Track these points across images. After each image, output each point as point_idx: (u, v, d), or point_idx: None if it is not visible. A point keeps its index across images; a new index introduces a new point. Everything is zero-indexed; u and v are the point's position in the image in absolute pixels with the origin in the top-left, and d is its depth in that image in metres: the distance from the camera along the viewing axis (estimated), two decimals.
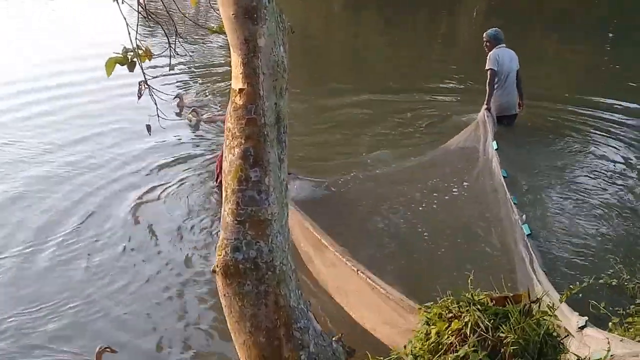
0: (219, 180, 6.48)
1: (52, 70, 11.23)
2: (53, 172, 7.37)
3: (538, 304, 3.19)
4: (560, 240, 6.12)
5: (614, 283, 5.19)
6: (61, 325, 4.80)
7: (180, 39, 4.24)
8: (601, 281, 5.19)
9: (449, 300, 3.34)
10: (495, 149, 7.27)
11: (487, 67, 8.66)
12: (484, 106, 8.41)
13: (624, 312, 4.71)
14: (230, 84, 3.34)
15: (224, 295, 3.32)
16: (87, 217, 6.38)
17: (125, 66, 3.68)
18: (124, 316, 4.96)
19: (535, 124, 9.37)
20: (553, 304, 3.22)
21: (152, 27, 4.44)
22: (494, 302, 3.24)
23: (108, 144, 8.25)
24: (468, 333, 3.12)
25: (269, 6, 3.11)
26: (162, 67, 8.63)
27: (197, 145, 8.31)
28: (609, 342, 3.23)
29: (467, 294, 3.28)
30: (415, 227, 6.35)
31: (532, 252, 5.09)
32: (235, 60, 3.16)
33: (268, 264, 3.22)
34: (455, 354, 3.09)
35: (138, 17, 3.80)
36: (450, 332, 3.20)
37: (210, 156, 7.72)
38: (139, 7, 3.84)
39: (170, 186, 7.06)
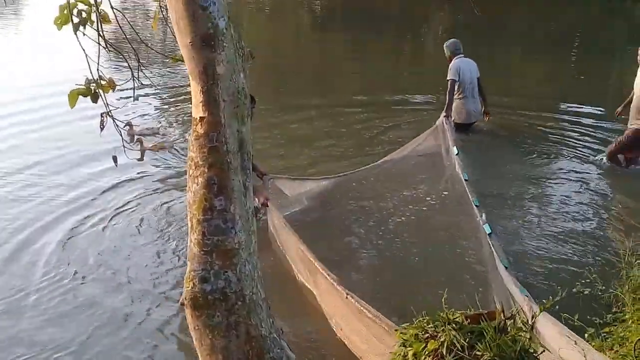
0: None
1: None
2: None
3: (513, 320, 3.19)
4: (525, 245, 6.22)
5: (586, 292, 5.20)
6: None
7: (144, 69, 4.20)
8: (574, 290, 5.22)
9: (425, 320, 3.31)
10: (456, 154, 7.40)
11: (448, 78, 8.98)
12: (443, 113, 8.65)
13: (601, 322, 4.72)
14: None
15: (194, 328, 3.24)
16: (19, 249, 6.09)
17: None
18: None
19: (498, 131, 9.69)
20: (527, 320, 3.20)
21: (117, 57, 4.44)
22: (468, 320, 3.22)
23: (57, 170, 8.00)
24: (444, 353, 3.09)
25: (226, 33, 3.07)
26: (126, 98, 8.66)
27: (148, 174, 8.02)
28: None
29: (442, 314, 3.25)
30: (381, 239, 6.37)
31: (496, 255, 5.09)
32: (195, 88, 3.11)
33: (237, 293, 3.16)
34: None
35: (99, 48, 3.74)
36: (427, 352, 3.18)
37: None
38: (99, 38, 3.79)
39: (118, 212, 6.86)
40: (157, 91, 11.61)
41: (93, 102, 3.71)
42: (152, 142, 8.66)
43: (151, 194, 7.28)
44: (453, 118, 8.88)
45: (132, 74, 3.97)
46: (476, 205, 6.08)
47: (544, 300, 3.26)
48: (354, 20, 21.53)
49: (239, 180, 3.17)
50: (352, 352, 4.38)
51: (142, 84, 4.30)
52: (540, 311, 3.25)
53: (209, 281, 3.14)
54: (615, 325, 4.61)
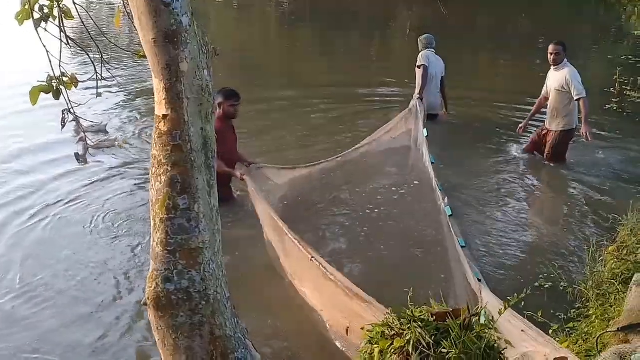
0: None
1: None
2: None
3: (478, 317, 3.20)
4: (488, 238, 6.31)
5: (550, 287, 5.26)
6: None
7: (107, 64, 4.13)
8: (537, 284, 5.28)
9: (391, 318, 3.32)
10: (426, 136, 7.62)
11: (419, 64, 9.33)
12: (416, 95, 8.98)
13: (565, 317, 4.78)
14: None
15: (157, 328, 3.20)
16: None
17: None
18: None
19: (465, 124, 9.95)
20: (493, 317, 3.22)
21: (82, 54, 4.39)
22: (434, 317, 3.23)
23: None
24: (410, 351, 3.10)
25: (190, 29, 3.02)
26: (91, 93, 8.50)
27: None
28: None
29: (408, 311, 3.26)
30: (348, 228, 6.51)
31: (454, 236, 5.37)
32: (158, 85, 3.06)
33: (201, 293, 3.12)
34: None
35: (61, 44, 3.66)
36: (393, 350, 3.18)
37: None
38: (61, 34, 3.71)
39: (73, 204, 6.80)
40: (121, 87, 11.47)
41: (55, 99, 3.64)
42: (95, 140, 8.42)
43: (97, 190, 7.21)
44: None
45: (95, 70, 3.90)
46: (440, 190, 6.36)
47: (508, 298, 3.27)
48: (322, 18, 21.60)
49: (203, 179, 3.12)
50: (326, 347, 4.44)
51: (104, 79, 4.23)
52: (505, 308, 3.26)
53: (172, 281, 3.09)
54: (580, 321, 4.68)
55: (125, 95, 11.32)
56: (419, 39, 9.64)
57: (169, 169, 3.06)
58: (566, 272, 5.52)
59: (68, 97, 3.70)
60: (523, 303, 3.31)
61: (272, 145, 8.75)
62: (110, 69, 4.16)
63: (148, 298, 3.14)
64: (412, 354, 3.08)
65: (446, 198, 6.15)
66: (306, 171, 7.27)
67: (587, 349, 4.05)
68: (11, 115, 9.40)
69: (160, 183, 3.09)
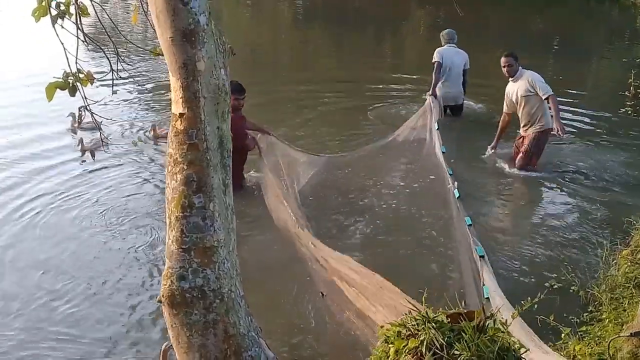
0: None
1: None
2: None
3: (493, 320, 3.19)
4: (500, 241, 6.30)
5: (562, 291, 5.22)
6: None
7: (123, 62, 4.15)
8: (547, 284, 5.24)
9: (407, 318, 3.31)
10: (437, 129, 8.18)
11: (433, 60, 9.61)
12: (428, 93, 9.38)
13: (577, 321, 4.75)
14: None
15: (172, 325, 3.21)
16: None
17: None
18: None
19: (479, 121, 10.09)
20: (506, 320, 3.20)
21: (98, 51, 4.48)
22: (449, 319, 3.23)
23: None
24: (424, 351, 3.09)
25: (207, 29, 3.03)
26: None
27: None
28: None
29: (423, 312, 3.26)
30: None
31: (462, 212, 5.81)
32: (175, 84, 3.07)
33: (215, 291, 3.13)
34: None
35: (78, 41, 3.67)
36: (407, 350, 3.18)
37: None
38: (78, 31, 3.73)
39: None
40: (136, 84, 11.55)
41: (71, 95, 3.65)
42: (92, 141, 8.26)
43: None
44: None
45: (111, 67, 3.91)
46: (450, 175, 6.86)
47: (522, 302, 3.26)
48: (335, 16, 21.55)
49: (218, 178, 3.14)
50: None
51: (120, 77, 4.24)
52: (519, 312, 3.25)
53: (187, 279, 3.11)
54: (592, 325, 4.65)
55: (138, 93, 11.38)
56: (440, 35, 9.89)
57: (185, 167, 3.08)
58: (578, 275, 5.47)
59: (84, 94, 3.71)
60: (535, 307, 3.29)
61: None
62: (124, 68, 4.17)
63: (162, 295, 3.15)
64: (425, 354, 3.07)
65: (455, 182, 6.58)
66: (324, 159, 7.79)
67: (600, 352, 4.03)
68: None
69: (176, 181, 3.10)
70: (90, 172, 7.63)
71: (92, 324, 4.90)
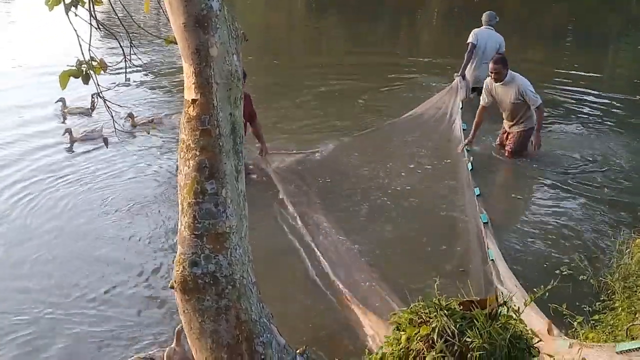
0: None
1: None
2: None
3: (505, 307, 3.19)
4: (512, 229, 6.27)
5: (575, 279, 5.19)
6: None
7: (136, 50, 4.15)
8: (557, 272, 5.21)
9: (419, 306, 3.32)
10: (460, 108, 8.48)
11: (467, 41, 9.71)
12: (457, 74, 9.54)
13: (590, 309, 4.74)
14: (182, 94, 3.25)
15: (184, 311, 3.22)
16: None
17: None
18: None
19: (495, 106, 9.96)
20: (519, 308, 3.20)
21: (110, 39, 4.54)
22: (461, 307, 3.22)
23: None
24: (435, 338, 3.10)
25: (220, 14, 3.02)
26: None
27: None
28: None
29: (434, 300, 3.26)
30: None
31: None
32: (187, 70, 3.07)
33: (228, 278, 3.14)
34: None
35: (91, 29, 3.68)
36: (418, 337, 3.18)
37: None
38: (91, 18, 3.73)
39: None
40: (148, 71, 11.59)
41: (84, 83, 3.65)
42: (82, 132, 8.26)
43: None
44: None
45: (124, 55, 3.92)
46: (467, 151, 7.39)
47: (535, 289, 3.25)
48: (349, 3, 21.49)
49: (231, 164, 3.13)
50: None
51: (134, 65, 4.25)
52: (532, 300, 3.25)
53: (199, 265, 3.11)
54: (605, 313, 4.63)
55: (151, 80, 11.40)
56: (482, 17, 9.89)
57: (197, 153, 3.08)
58: (591, 263, 5.44)
59: (97, 81, 3.72)
60: (547, 295, 3.28)
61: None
62: (137, 55, 4.18)
63: (175, 281, 3.16)
64: (437, 341, 3.07)
65: (471, 157, 7.18)
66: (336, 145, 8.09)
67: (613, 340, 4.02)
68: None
69: (189, 167, 3.10)
70: (100, 158, 7.72)
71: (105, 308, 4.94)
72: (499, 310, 3.15)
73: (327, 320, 4.73)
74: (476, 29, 9.74)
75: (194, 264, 3.12)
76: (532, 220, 6.46)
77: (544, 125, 9.13)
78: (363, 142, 8.35)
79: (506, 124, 8.11)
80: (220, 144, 3.09)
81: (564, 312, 3.67)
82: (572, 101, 10.62)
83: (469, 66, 9.65)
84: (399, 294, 4.69)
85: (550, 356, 3.18)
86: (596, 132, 9.06)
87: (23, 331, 4.63)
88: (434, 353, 3.04)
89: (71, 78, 3.47)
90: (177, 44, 3.16)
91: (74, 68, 3.56)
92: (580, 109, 10.23)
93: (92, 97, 6.79)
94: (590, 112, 9.96)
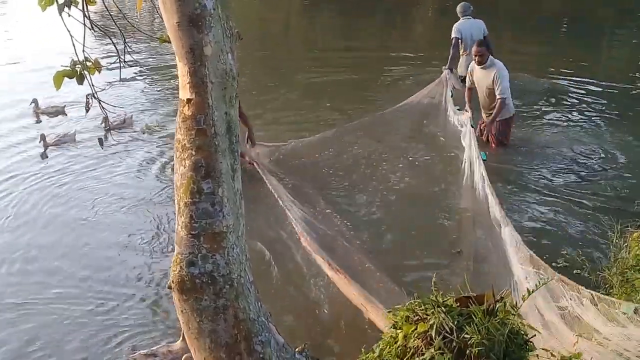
0: None
1: None
2: None
3: (503, 303, 3.18)
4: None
5: (561, 265, 5.21)
6: None
7: (131, 50, 4.14)
8: (553, 264, 5.20)
9: (416, 303, 3.31)
10: (451, 96, 8.61)
11: (451, 37, 9.79)
12: (445, 67, 9.52)
13: None
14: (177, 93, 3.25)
15: (182, 311, 3.22)
16: None
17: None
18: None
19: None
20: (516, 303, 3.20)
21: (105, 39, 4.53)
22: (458, 303, 3.22)
23: None
24: (433, 335, 3.09)
25: (214, 13, 3.01)
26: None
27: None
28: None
29: (431, 296, 3.25)
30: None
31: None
32: (182, 69, 3.06)
33: (225, 277, 3.13)
34: (422, 358, 3.06)
35: (84, 29, 3.66)
36: (416, 335, 3.17)
37: None
38: (85, 19, 3.71)
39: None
40: (141, 72, 11.52)
41: (79, 83, 3.64)
42: (55, 136, 8.20)
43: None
44: (458, 71, 9.86)
45: (119, 55, 3.91)
46: (473, 126, 7.33)
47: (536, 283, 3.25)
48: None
49: (227, 163, 3.13)
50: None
51: (128, 65, 4.24)
52: (530, 293, 3.24)
53: (197, 264, 3.11)
54: None
55: (144, 80, 11.34)
56: (457, 10, 9.98)
57: (193, 153, 3.07)
58: (589, 257, 5.44)
59: (91, 82, 3.70)
60: None
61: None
62: (131, 55, 4.17)
63: (172, 281, 3.16)
64: (435, 338, 3.06)
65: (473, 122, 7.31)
66: (328, 134, 8.15)
67: None
68: None
69: (185, 167, 3.10)
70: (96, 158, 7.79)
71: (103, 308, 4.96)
72: (497, 306, 3.15)
73: (325, 318, 4.73)
74: (456, 23, 9.83)
75: (191, 263, 3.11)
76: (528, 213, 6.45)
77: (538, 114, 9.43)
78: (357, 131, 8.46)
79: (484, 114, 8.25)
80: (216, 143, 3.08)
81: None
82: (570, 94, 10.61)
83: (461, 58, 9.80)
84: (396, 280, 4.77)
85: (547, 350, 3.18)
86: (592, 125, 9.06)
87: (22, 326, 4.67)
88: (432, 350, 3.03)
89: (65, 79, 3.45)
90: (170, 42, 3.15)
91: (68, 68, 3.55)
92: (576, 102, 10.22)
93: (87, 98, 6.71)
94: (587, 106, 9.94)
